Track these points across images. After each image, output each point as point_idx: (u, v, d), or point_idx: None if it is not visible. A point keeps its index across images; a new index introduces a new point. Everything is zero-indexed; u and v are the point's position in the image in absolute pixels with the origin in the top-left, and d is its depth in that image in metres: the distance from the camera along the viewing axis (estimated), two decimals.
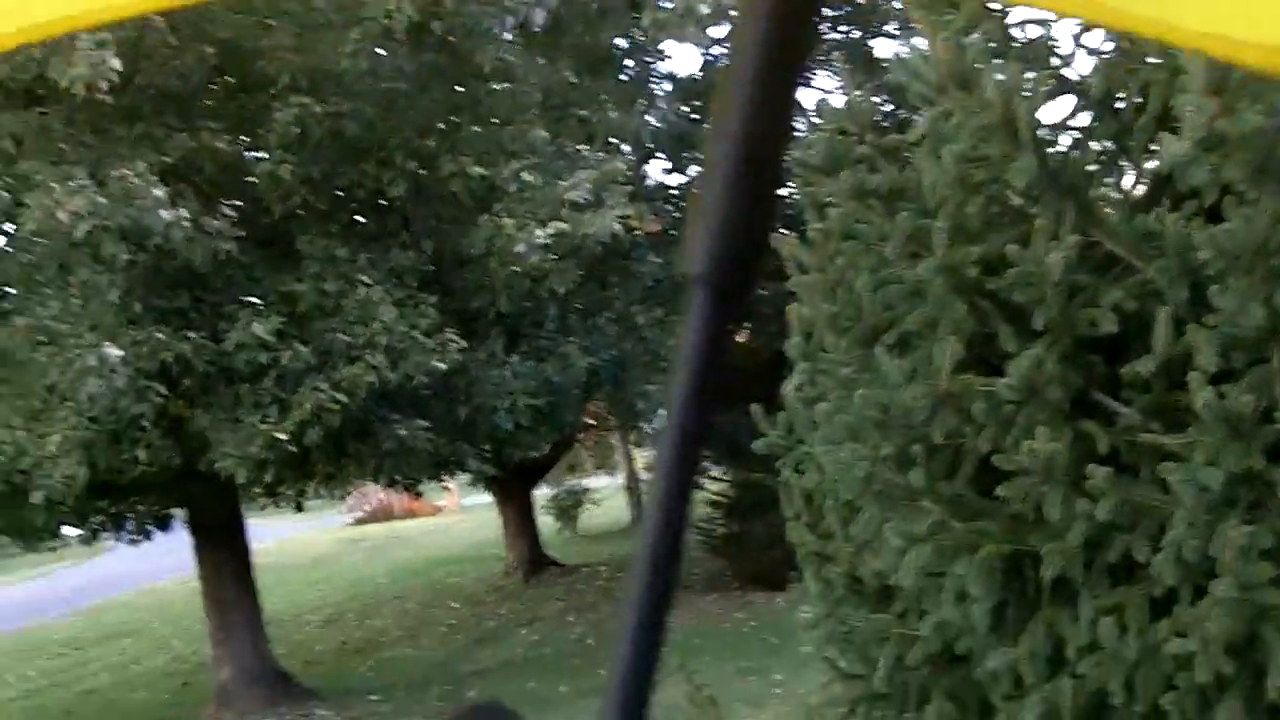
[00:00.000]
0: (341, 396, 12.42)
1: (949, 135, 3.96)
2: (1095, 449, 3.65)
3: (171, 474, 13.15)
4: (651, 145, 18.69)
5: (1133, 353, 3.68)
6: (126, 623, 26.19)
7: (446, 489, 39.03)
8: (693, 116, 19.49)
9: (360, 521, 44.73)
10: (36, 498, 12.36)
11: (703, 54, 20.25)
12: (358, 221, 14.38)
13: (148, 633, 24.20)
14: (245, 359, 12.45)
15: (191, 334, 12.45)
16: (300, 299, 13.02)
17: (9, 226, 13.24)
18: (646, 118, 17.83)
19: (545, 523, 27.84)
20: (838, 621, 4.53)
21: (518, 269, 13.20)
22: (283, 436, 12.36)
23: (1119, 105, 4.14)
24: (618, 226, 13.42)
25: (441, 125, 14.23)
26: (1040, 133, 3.92)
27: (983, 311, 3.84)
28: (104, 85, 11.35)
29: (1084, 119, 4.19)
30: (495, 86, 14.66)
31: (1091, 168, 4.14)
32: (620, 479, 35.09)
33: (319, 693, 15.83)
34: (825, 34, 20.29)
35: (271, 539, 32.40)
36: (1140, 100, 4.03)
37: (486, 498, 27.38)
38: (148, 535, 16.36)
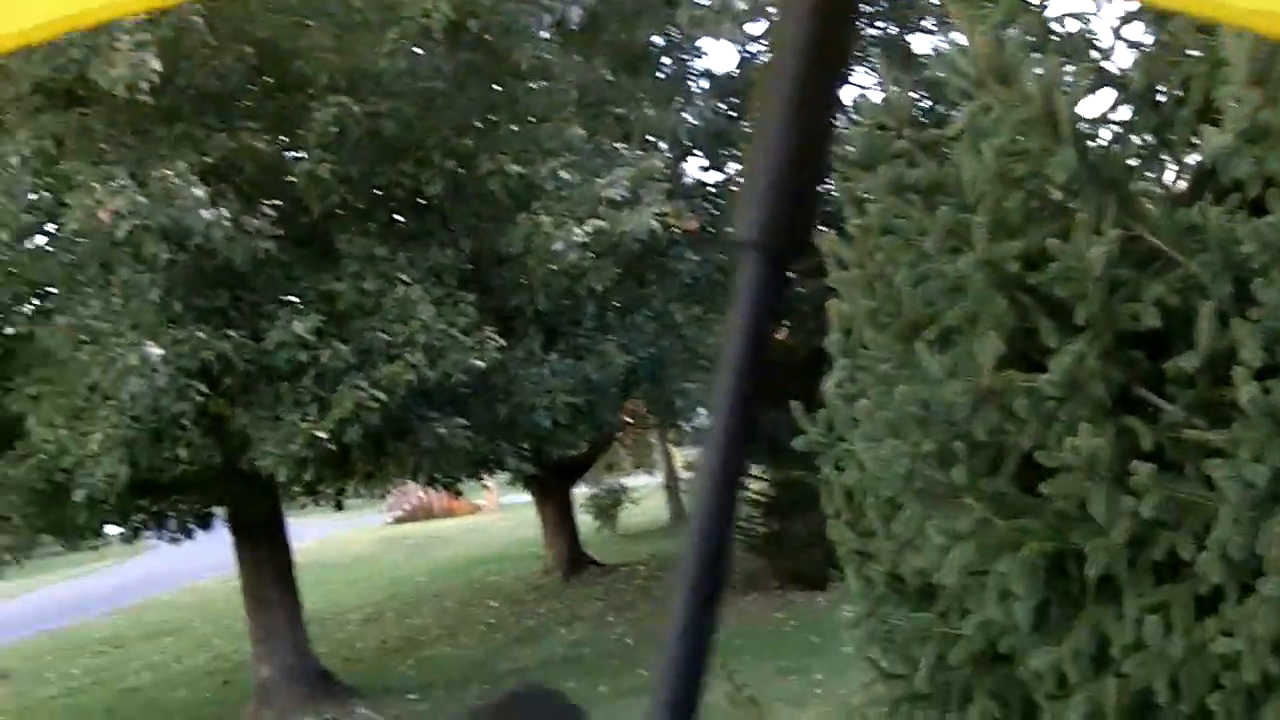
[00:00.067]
0: (381, 395, 12.44)
1: (988, 129, 3.93)
2: (1139, 445, 3.61)
3: (212, 473, 13.20)
4: (689, 142, 18.67)
5: (1176, 348, 3.64)
6: (168, 621, 26.35)
7: (486, 488, 39.11)
8: (730, 113, 19.45)
9: (399, 520, 44.87)
10: (78, 496, 12.43)
11: (739, 51, 20.20)
12: (396, 220, 14.40)
13: (189, 631, 24.34)
14: (285, 357, 12.49)
15: (232, 333, 12.50)
16: (340, 298, 13.05)
17: (51, 226, 13.32)
18: (683, 115, 17.80)
19: (584, 521, 27.84)
20: (879, 620, 4.51)
21: (555, 267, 13.20)
22: (322, 435, 12.40)
23: (1160, 98, 4.10)
24: (655, 224, 13.40)
25: (479, 124, 14.24)
26: (1080, 126, 3.89)
27: (1024, 307, 3.81)
28: (144, 86, 11.41)
29: (1124, 112, 4.16)
30: (532, 85, 14.67)
31: (1132, 161, 4.10)
32: (659, 478, 35.07)
33: (359, 691, 15.88)
34: (862, 30, 20.21)
35: (311, 538, 32.53)
36: (1181, 93, 3.99)
37: (525, 497, 27.40)
38: (189, 534, 16.43)
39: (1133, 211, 3.79)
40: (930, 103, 11.25)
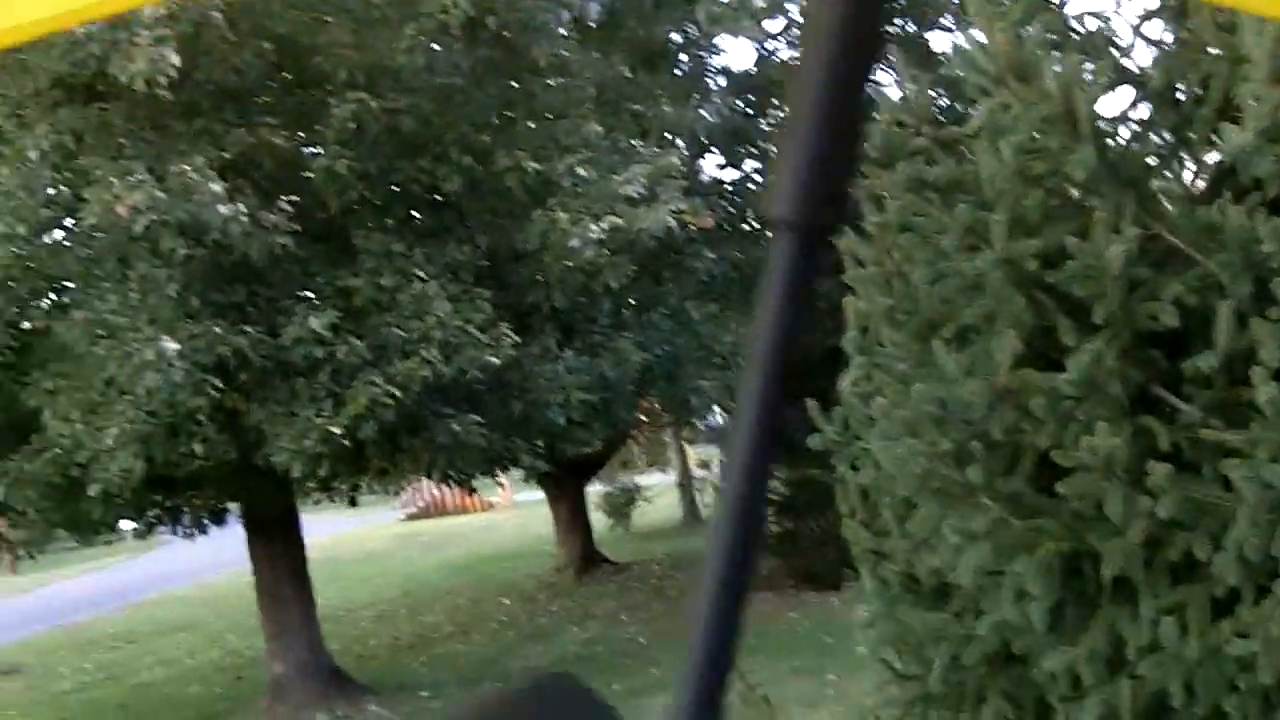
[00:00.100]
0: (396, 391, 12.43)
1: (1007, 127, 3.92)
2: (1156, 445, 3.60)
3: (227, 468, 13.20)
4: (706, 140, 18.66)
5: (1194, 347, 3.63)
6: (181, 617, 26.39)
7: (500, 485, 39.15)
8: (747, 111, 19.44)
9: (413, 517, 44.98)
10: (93, 491, 12.44)
11: (757, 48, 20.18)
12: (413, 216, 14.41)
13: (202, 627, 24.38)
14: (301, 353, 12.49)
15: (248, 328, 12.50)
16: (356, 294, 13.05)
17: (69, 221, 13.34)
18: (701, 112, 17.79)
19: (598, 520, 27.84)
20: (893, 621, 4.49)
21: (572, 264, 13.19)
22: (337, 431, 12.40)
23: (1180, 96, 4.08)
24: (672, 221, 13.39)
25: (496, 120, 14.24)
26: (1100, 124, 3.87)
27: (1042, 305, 3.80)
28: (163, 81, 11.43)
29: (1144, 110, 4.14)
30: (550, 81, 14.67)
31: (1151, 160, 4.09)
32: (673, 476, 35.06)
33: (372, 688, 15.89)
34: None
35: (325, 534, 32.55)
36: (1201, 91, 3.98)
37: (539, 494, 27.41)
38: (203, 530, 16.45)
39: (1152, 210, 3.78)
40: (948, 101, 11.23)
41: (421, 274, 13.07)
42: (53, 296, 13.88)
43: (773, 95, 19.82)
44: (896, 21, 20.31)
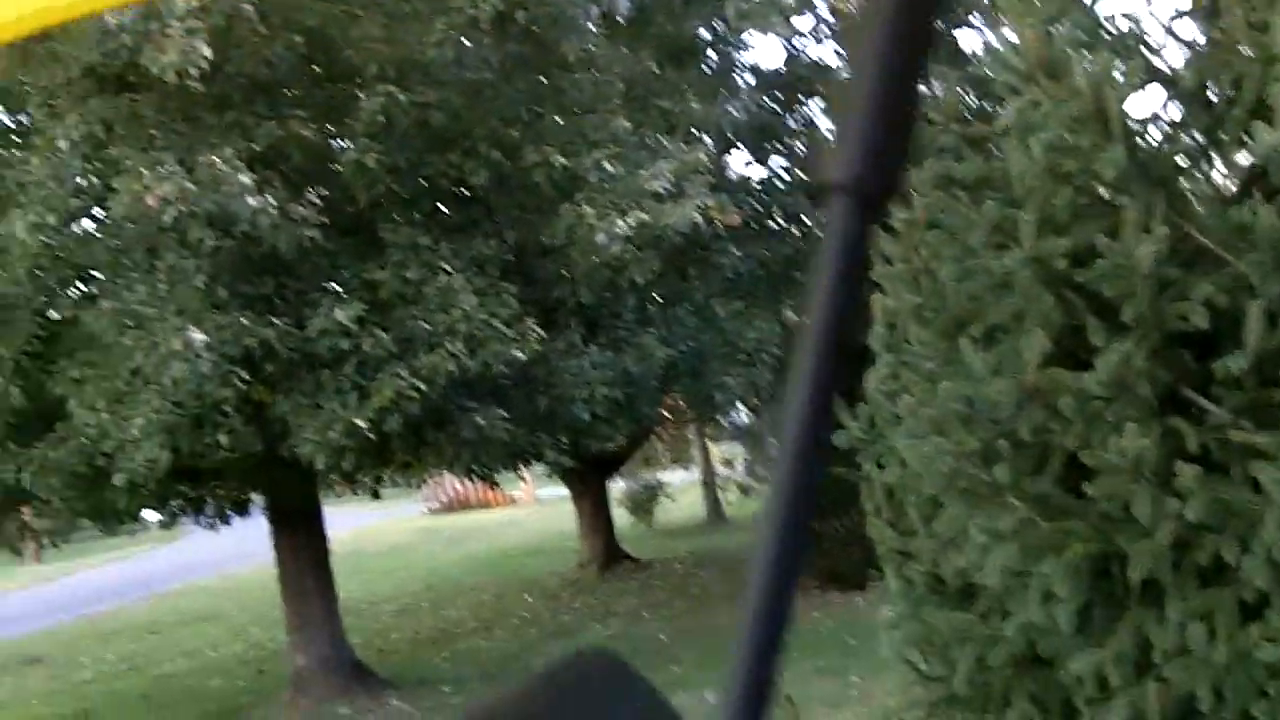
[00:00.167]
0: (421, 384, 12.44)
1: (1037, 125, 3.89)
2: (1185, 447, 3.57)
3: (252, 459, 13.23)
4: (733, 136, 18.64)
5: (1224, 348, 3.60)
6: (204, 608, 26.50)
7: (523, 480, 39.22)
8: (775, 108, 19.40)
9: (436, 512, 45.09)
10: (118, 480, 12.49)
11: (785, 45, 20.15)
12: (441, 210, 14.42)
13: (225, 619, 24.46)
14: (327, 345, 12.52)
15: (275, 320, 12.53)
16: (382, 286, 13.07)
17: (98, 211, 13.39)
18: (728, 109, 17.76)
19: (620, 516, 27.85)
20: (918, 621, 4.47)
21: (598, 259, 13.18)
22: (362, 423, 12.41)
23: (1211, 96, 4.05)
24: (698, 218, 13.37)
25: (525, 115, 14.24)
26: (1130, 124, 3.85)
27: (1070, 304, 3.77)
28: (194, 73, 11.46)
29: (1175, 110, 4.11)
30: (578, 76, 14.66)
31: (1182, 159, 4.06)
32: (696, 473, 35.06)
33: (393, 682, 15.92)
34: None
35: (348, 528, 32.67)
36: (1233, 91, 3.95)
37: (562, 490, 27.45)
38: (226, 521, 16.49)
39: (1182, 210, 3.75)
40: (976, 98, 11.17)
41: (448, 268, 13.08)
42: (81, 286, 13.93)
43: (800, 92, 19.79)
44: None
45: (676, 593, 20.21)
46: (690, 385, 16.51)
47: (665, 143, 14.68)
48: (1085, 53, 3.94)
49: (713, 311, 16.23)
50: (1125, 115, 3.75)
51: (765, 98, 19.28)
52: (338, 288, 12.92)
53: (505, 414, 13.43)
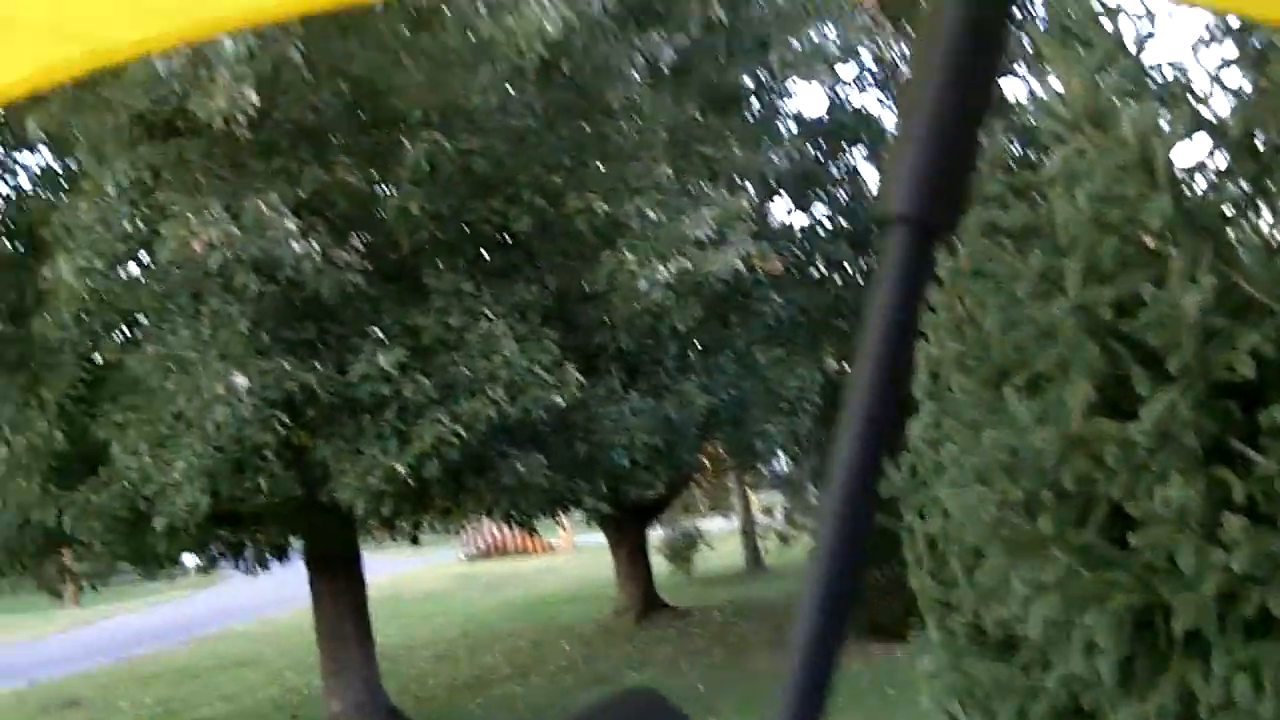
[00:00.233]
0: (461, 430, 12.45)
1: (1083, 173, 3.89)
2: (1230, 498, 3.54)
3: (292, 504, 13.24)
4: (775, 184, 18.67)
5: (1270, 398, 3.57)
6: (243, 652, 26.51)
7: (561, 527, 39.17)
8: (817, 156, 19.43)
9: (474, 558, 45.08)
10: (159, 524, 12.52)
11: (828, 93, 20.22)
12: (483, 256, 14.46)
13: (263, 663, 24.46)
14: (368, 390, 12.55)
15: (317, 364, 12.57)
16: (424, 332, 13.10)
17: (144, 256, 13.49)
18: (771, 156, 17.80)
19: (658, 564, 27.75)
20: (959, 673, 4.43)
21: (639, 305, 13.20)
22: (402, 469, 12.42)
23: (1258, 145, 4.03)
24: (740, 265, 13.38)
25: (568, 162, 14.29)
26: (1176, 172, 3.84)
27: (1116, 354, 3.75)
28: (242, 119, 11.54)
29: (1221, 159, 4.09)
30: (622, 124, 14.72)
31: (1229, 209, 4.04)
32: (736, 522, 34.92)
33: None
34: None
35: (386, 574, 32.68)
36: None
37: (600, 537, 27.38)
38: (265, 565, 16.51)
39: (1228, 259, 3.73)
40: (1022, 147, 11.17)
41: (489, 313, 13.10)
42: (126, 330, 14.02)
43: (844, 140, 19.83)
44: None
45: (715, 641, 20.11)
46: (731, 433, 16.48)
47: (708, 190, 14.71)
48: (1131, 102, 3.93)
49: (754, 359, 16.21)
50: (1171, 164, 3.74)
51: (808, 145, 19.32)
52: (380, 333, 12.96)
53: (545, 460, 13.42)
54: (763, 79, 18.46)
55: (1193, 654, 3.66)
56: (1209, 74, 4.12)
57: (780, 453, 20.31)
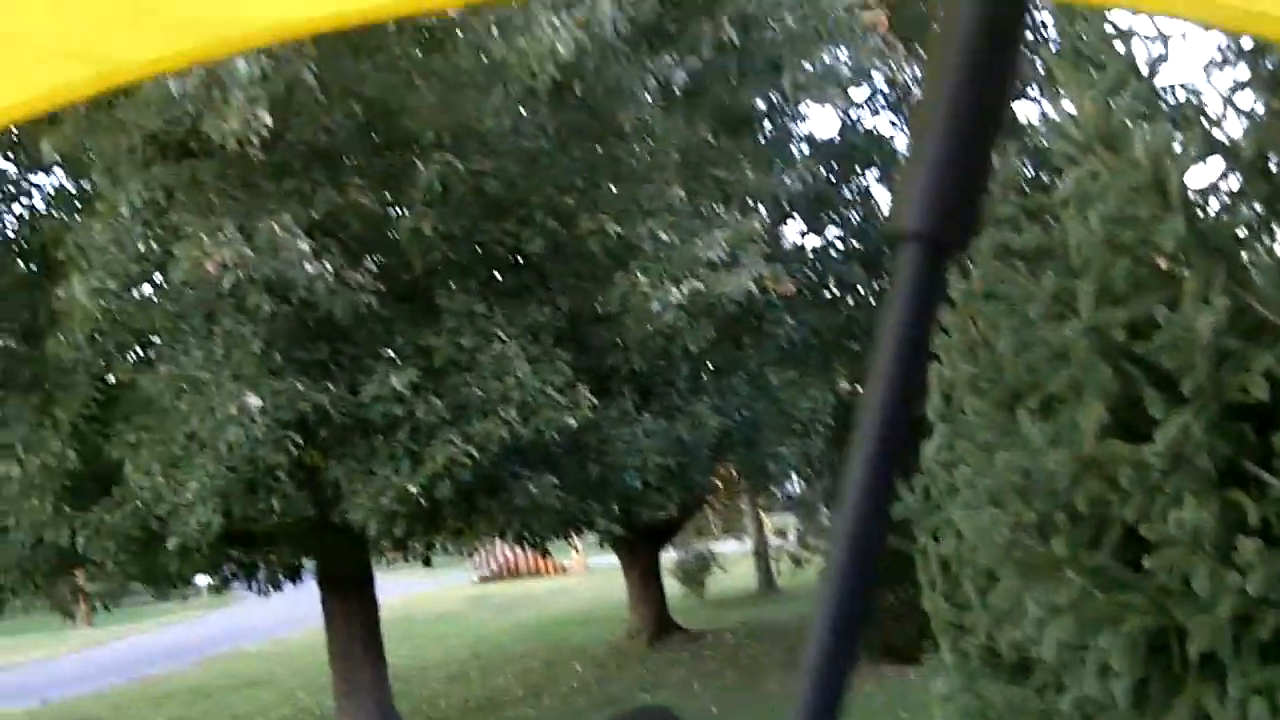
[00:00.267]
0: (473, 451, 12.45)
1: (1096, 195, 3.88)
2: (1245, 520, 3.53)
3: (304, 524, 13.25)
4: (788, 206, 18.69)
5: None
6: (255, 672, 26.52)
7: (573, 549, 39.13)
8: (830, 178, 19.45)
9: (486, 579, 45.06)
10: (171, 544, 12.54)
11: (841, 115, 20.23)
12: (495, 278, 14.48)
13: (275, 683, 24.46)
14: (381, 411, 12.55)
15: (330, 385, 12.59)
16: (437, 353, 13.11)
17: (158, 276, 13.52)
18: (783, 178, 17.82)
19: (671, 586, 27.71)
20: (973, 695, 4.42)
21: (652, 327, 13.20)
22: (414, 489, 12.42)
23: (1271, 167, 4.03)
24: (753, 287, 13.38)
25: (580, 183, 14.31)
26: (1189, 194, 3.84)
27: (1129, 376, 3.75)
28: (255, 140, 11.57)
29: (1234, 181, 4.09)
30: (634, 146, 14.73)
31: (1242, 231, 4.04)
32: (748, 544, 34.86)
33: None
34: None
35: (399, 595, 32.67)
36: None
37: (612, 559, 27.34)
38: (278, 586, 16.51)
39: (1242, 281, 3.73)
40: (1034, 169, 11.18)
41: (502, 335, 13.11)
42: (139, 350, 14.05)
43: (856, 162, 19.85)
44: None
45: (727, 663, 20.06)
46: (744, 455, 16.47)
47: (720, 212, 14.72)
48: (1144, 124, 3.93)
49: (766, 380, 16.20)
50: (1184, 186, 3.74)
51: (820, 167, 19.34)
52: (392, 354, 12.98)
53: (557, 481, 13.42)
54: (775, 101, 18.48)
55: (1208, 677, 3.65)
56: (1222, 96, 4.12)
57: (793, 474, 20.30)
